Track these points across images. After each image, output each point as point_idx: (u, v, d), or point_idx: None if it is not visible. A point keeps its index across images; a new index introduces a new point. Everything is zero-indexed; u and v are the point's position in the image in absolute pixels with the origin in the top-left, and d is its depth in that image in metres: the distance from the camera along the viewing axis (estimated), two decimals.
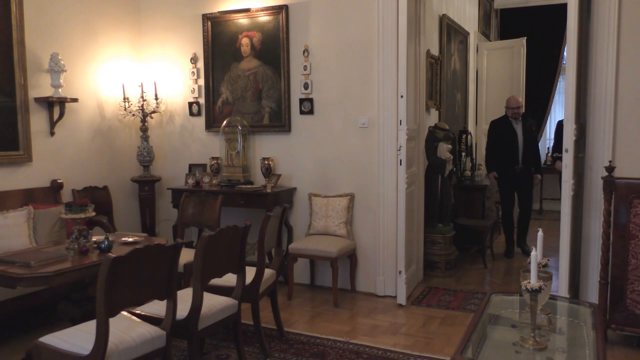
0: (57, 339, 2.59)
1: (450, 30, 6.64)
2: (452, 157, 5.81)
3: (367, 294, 4.89)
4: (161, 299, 2.77)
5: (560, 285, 3.96)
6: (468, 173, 6.92)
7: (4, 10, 4.51)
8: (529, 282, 2.31)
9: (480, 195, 6.57)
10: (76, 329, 2.71)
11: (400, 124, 4.50)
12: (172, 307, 2.78)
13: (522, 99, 6.65)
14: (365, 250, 4.94)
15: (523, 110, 6.22)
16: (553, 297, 2.90)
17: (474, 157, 7.33)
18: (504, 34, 9.06)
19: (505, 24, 9.19)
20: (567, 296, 3.89)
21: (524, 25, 8.54)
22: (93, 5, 5.33)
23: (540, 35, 8.42)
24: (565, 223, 3.96)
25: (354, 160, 4.94)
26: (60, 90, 4.83)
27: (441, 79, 6.32)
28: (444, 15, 6.41)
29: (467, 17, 7.54)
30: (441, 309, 4.50)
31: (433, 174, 5.61)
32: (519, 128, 6.12)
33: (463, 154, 6.85)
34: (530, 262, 2.35)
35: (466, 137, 6.91)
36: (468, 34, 7.51)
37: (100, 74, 5.43)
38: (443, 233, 5.53)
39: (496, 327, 2.71)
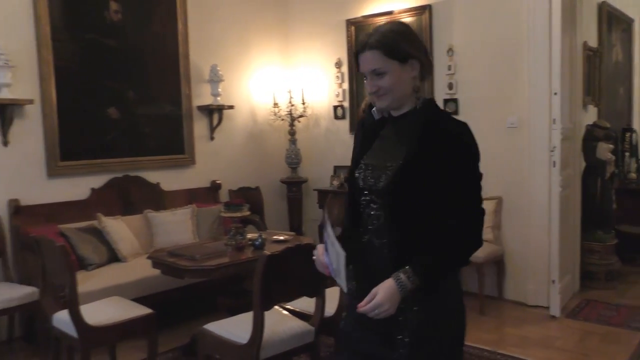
0: (218, 327, 2.83)
1: (610, 18, 6.06)
2: (613, 157, 5.30)
3: (516, 302, 4.63)
4: (310, 296, 2.87)
5: None
6: (633, 175, 6.24)
7: (172, 27, 5.02)
8: None
9: None
10: (235, 319, 2.92)
11: (554, 123, 4.19)
12: (321, 305, 2.88)
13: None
14: (514, 256, 4.68)
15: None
16: None
17: None
18: None
19: None
20: None
21: None
22: (247, 18, 5.73)
23: None
24: None
25: (501, 161, 4.70)
26: (218, 98, 5.26)
27: (600, 72, 5.80)
28: (603, 2, 5.86)
29: (631, 1, 6.80)
30: (601, 324, 4.11)
31: (591, 176, 5.16)
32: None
33: (627, 154, 6.22)
34: None
35: (630, 136, 6.27)
36: (632, 20, 6.79)
37: (252, 82, 5.81)
38: (603, 241, 5.06)
39: None
